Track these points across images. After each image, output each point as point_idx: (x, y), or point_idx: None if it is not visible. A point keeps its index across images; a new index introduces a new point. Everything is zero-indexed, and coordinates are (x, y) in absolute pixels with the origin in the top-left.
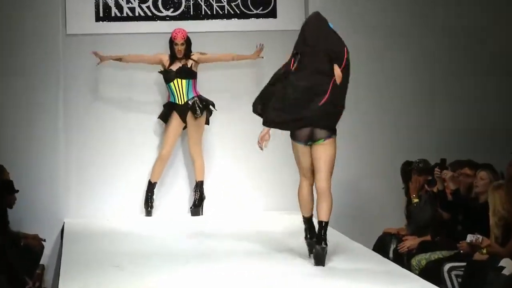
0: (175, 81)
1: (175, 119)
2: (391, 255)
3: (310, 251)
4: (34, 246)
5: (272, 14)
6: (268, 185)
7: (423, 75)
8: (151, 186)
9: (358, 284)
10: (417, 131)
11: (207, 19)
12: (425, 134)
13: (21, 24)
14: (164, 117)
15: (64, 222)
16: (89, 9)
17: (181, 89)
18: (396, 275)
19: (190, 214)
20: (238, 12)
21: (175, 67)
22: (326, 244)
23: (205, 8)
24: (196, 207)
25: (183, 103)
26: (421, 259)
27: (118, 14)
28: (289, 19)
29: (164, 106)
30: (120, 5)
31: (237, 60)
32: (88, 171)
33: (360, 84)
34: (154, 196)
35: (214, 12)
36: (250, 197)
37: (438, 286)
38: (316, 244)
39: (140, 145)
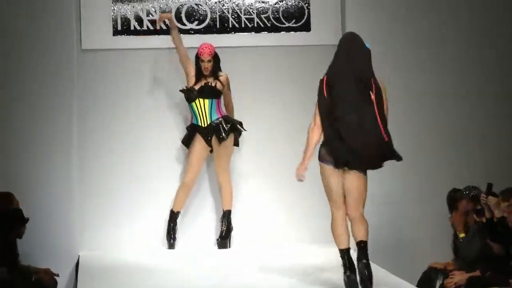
0: (197, 101)
1: (199, 143)
2: None
3: None
4: (46, 281)
5: (306, 27)
6: (301, 215)
7: (475, 98)
8: (174, 216)
9: None
10: (468, 154)
11: (234, 32)
12: (477, 158)
13: (34, 39)
14: (187, 141)
15: (79, 256)
16: (106, 22)
17: (203, 109)
18: None
19: (216, 246)
20: (269, 25)
21: (199, 85)
22: (367, 260)
23: (233, 21)
24: (223, 239)
25: (206, 125)
26: None
27: (138, 28)
28: (324, 33)
29: (187, 128)
30: (140, 18)
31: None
32: (105, 200)
33: (405, 104)
34: (177, 227)
35: (243, 25)
36: (281, 228)
37: None
38: (358, 261)
39: (162, 171)
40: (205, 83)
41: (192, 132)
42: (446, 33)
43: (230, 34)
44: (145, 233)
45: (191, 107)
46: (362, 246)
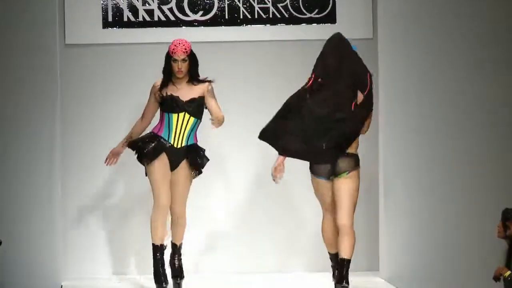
0: (181, 114)
1: (164, 163)
2: None
3: None
4: None
5: (331, 18)
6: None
7: None
8: (159, 251)
9: None
10: None
11: (246, 24)
12: None
13: (11, 33)
14: (150, 155)
15: (61, 285)
16: (95, 14)
17: (184, 127)
18: None
19: None
20: (287, 15)
21: (182, 93)
22: (347, 283)
23: (244, 10)
24: (182, 279)
25: (180, 146)
26: None
27: (132, 19)
28: (352, 25)
29: (149, 138)
30: (135, 7)
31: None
32: (90, 223)
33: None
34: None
35: (256, 16)
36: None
37: None
38: (336, 283)
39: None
40: (198, 97)
41: (157, 151)
42: (491, 21)
43: (241, 27)
44: (129, 262)
45: (168, 118)
46: (344, 264)
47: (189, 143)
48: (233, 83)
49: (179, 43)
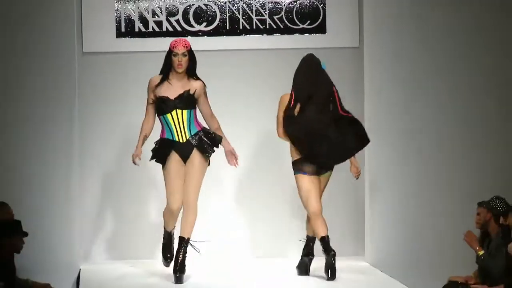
0: (173, 112)
1: (175, 161)
2: None
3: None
4: None
5: (321, 29)
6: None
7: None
8: (167, 235)
9: None
10: (487, 168)
11: (245, 34)
12: (498, 171)
13: (34, 42)
14: (162, 158)
15: (80, 269)
16: (109, 24)
17: (181, 122)
18: None
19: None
20: (282, 26)
21: (171, 92)
22: (333, 251)
23: (244, 22)
24: (182, 273)
25: (184, 140)
26: None
27: (143, 29)
28: (340, 35)
29: (157, 144)
30: (145, 19)
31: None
32: (107, 211)
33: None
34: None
35: (254, 27)
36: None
37: None
38: (327, 255)
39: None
40: (184, 91)
41: (167, 149)
42: (469, 33)
43: (240, 36)
44: (145, 247)
45: (165, 120)
46: (325, 239)
47: (192, 133)
48: (234, 86)
49: (180, 39)
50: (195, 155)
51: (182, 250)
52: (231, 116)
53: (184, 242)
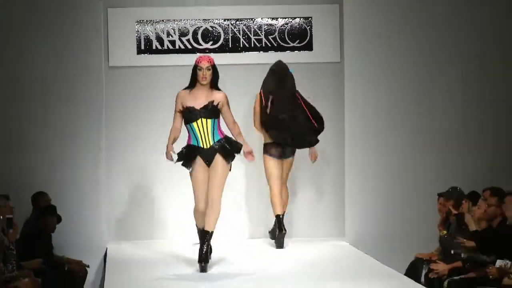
0: (199, 121)
1: (200, 165)
2: (422, 280)
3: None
4: (77, 271)
5: (308, 47)
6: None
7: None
8: (200, 233)
9: None
10: (453, 157)
11: (245, 51)
12: (461, 161)
13: (66, 57)
14: (187, 162)
15: (107, 248)
16: (131, 42)
17: (206, 130)
18: None
19: (198, 269)
20: (275, 45)
21: (197, 101)
22: (285, 230)
23: (243, 41)
24: (206, 263)
25: (208, 147)
26: (454, 282)
27: (159, 47)
28: (324, 52)
29: (184, 149)
30: (161, 38)
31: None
32: (130, 198)
33: (403, 110)
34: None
35: (252, 45)
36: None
37: None
38: (279, 233)
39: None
40: (209, 102)
41: (192, 154)
42: (436, 51)
43: (241, 53)
44: (169, 227)
45: (191, 127)
46: (280, 218)
47: (216, 140)
48: (236, 96)
49: (205, 56)
50: (218, 159)
51: (206, 243)
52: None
53: (208, 235)
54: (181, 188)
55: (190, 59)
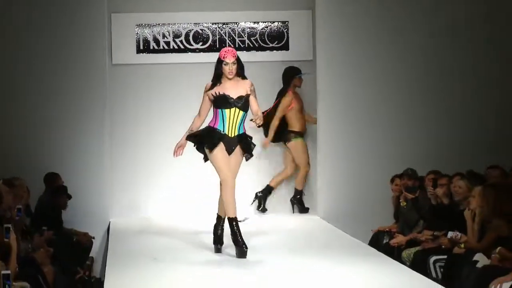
0: (232, 109)
1: (220, 151)
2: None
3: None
4: (84, 242)
5: (285, 47)
6: None
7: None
8: (234, 222)
9: (357, 269)
10: (408, 142)
11: None
12: (415, 145)
13: (75, 55)
14: (212, 145)
15: (110, 222)
16: (131, 43)
17: (235, 120)
18: (387, 264)
19: (236, 255)
20: (257, 45)
21: (232, 92)
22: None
23: (229, 42)
24: (241, 247)
25: (233, 135)
26: (411, 252)
27: (156, 47)
28: (299, 51)
29: (205, 131)
30: (157, 39)
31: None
32: (131, 179)
33: (367, 100)
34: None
35: (237, 45)
36: None
37: (425, 275)
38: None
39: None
40: (246, 95)
41: (215, 139)
42: (396, 49)
43: None
44: (167, 202)
45: (222, 113)
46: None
47: (240, 132)
48: None
49: (229, 50)
50: (238, 150)
51: (221, 226)
52: None
53: (221, 219)
54: (175, 169)
55: (182, 58)
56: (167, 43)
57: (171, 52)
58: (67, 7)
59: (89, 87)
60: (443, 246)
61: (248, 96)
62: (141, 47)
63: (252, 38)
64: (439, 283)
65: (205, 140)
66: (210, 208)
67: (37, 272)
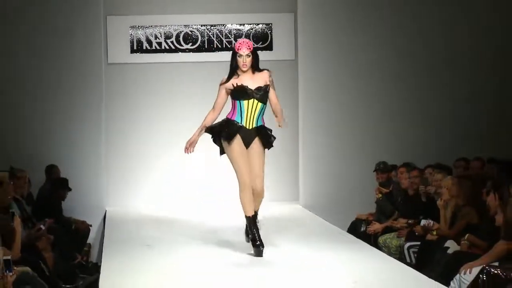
0: (251, 101)
1: (237, 143)
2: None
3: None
4: (82, 229)
5: (269, 47)
6: None
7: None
8: (252, 220)
9: (336, 255)
10: (392, 135)
11: (218, 51)
12: (393, 137)
13: (69, 55)
14: (229, 137)
15: (106, 210)
16: (125, 43)
17: (253, 112)
18: (365, 250)
19: (253, 254)
20: None
21: (250, 83)
22: None
23: (217, 42)
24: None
25: (251, 127)
26: (386, 238)
27: (148, 47)
28: (282, 51)
29: (224, 123)
30: (150, 40)
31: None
32: (125, 171)
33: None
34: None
35: (224, 46)
36: None
37: (400, 260)
38: None
39: (178, 140)
40: (265, 85)
41: (232, 131)
42: (374, 51)
43: (214, 52)
44: (159, 193)
45: (240, 105)
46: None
47: (258, 124)
48: (212, 87)
49: (244, 41)
50: (256, 142)
51: (256, 226)
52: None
53: (255, 217)
54: (167, 162)
55: (173, 57)
56: (159, 44)
57: (163, 52)
58: (66, 10)
59: (86, 84)
60: (416, 234)
61: (267, 86)
62: (135, 48)
63: (238, 39)
64: (413, 268)
65: (222, 131)
66: (202, 199)
67: (39, 258)
